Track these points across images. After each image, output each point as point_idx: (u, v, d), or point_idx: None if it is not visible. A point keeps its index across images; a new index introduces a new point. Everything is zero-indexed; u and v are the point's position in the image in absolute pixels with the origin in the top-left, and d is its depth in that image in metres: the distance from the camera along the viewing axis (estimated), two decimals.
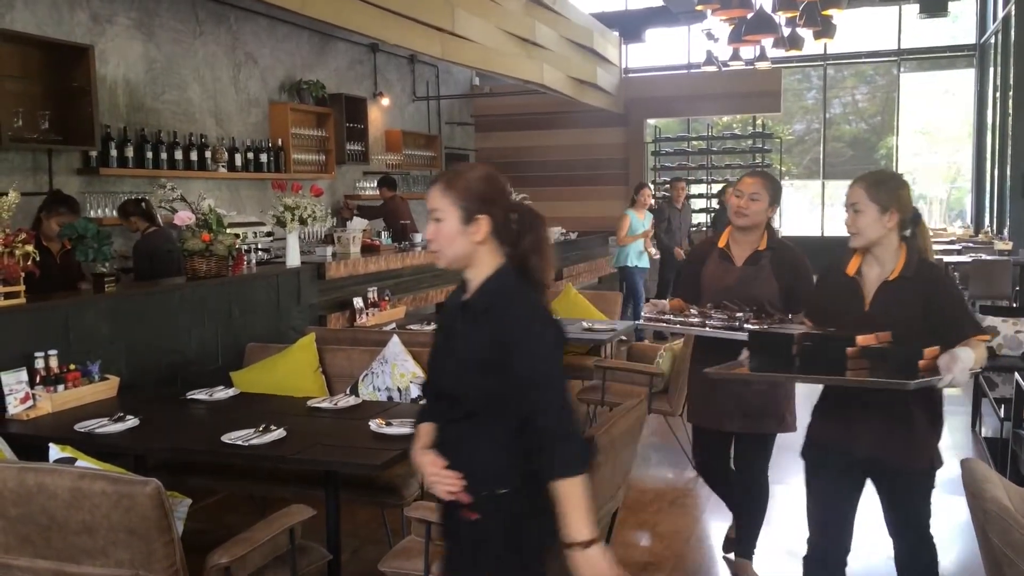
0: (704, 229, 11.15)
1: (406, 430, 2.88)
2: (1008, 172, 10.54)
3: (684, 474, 5.00)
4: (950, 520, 4.16)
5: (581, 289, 6.99)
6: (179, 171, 6.82)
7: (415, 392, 3.89)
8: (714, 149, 12.31)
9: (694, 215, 10.78)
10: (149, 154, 6.62)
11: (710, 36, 10.35)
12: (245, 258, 4.95)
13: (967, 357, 2.35)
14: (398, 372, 3.98)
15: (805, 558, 2.85)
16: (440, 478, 1.94)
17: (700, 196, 12.16)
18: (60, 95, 5.82)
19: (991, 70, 11.88)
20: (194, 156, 7.02)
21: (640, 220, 8.60)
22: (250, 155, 7.71)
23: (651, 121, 12.64)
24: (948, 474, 4.71)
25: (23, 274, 3.52)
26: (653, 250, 8.82)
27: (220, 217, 4.58)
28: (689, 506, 4.54)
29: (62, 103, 5.82)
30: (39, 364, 3.41)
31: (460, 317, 1.99)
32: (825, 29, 8.31)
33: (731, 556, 3.76)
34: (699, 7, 7.65)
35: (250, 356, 4.33)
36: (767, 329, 2.94)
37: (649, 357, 5.27)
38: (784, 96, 12.10)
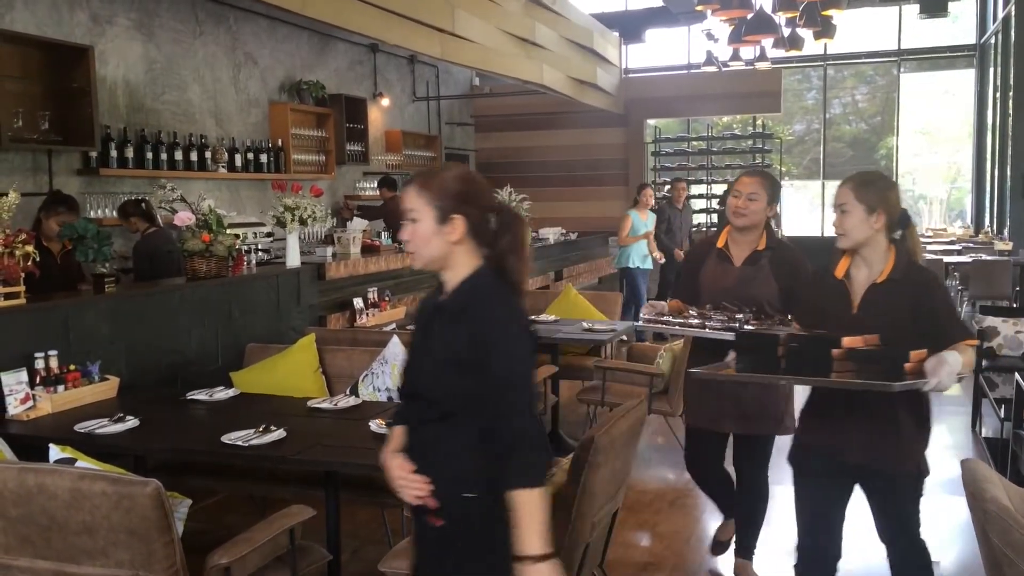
0: (705, 230, 11.15)
1: None
2: (1008, 172, 10.54)
3: (684, 474, 4.97)
4: (950, 520, 4.16)
5: (581, 289, 6.99)
6: (179, 171, 6.83)
7: None
8: (714, 149, 12.31)
9: (694, 215, 10.78)
10: (149, 154, 6.62)
11: (710, 36, 10.36)
12: (245, 258, 4.95)
13: (954, 361, 2.33)
14: (398, 372, 3.98)
15: (796, 566, 2.83)
16: (407, 482, 1.93)
17: (700, 196, 12.16)
18: (60, 95, 5.82)
19: (991, 70, 11.88)
20: (194, 156, 7.02)
21: (643, 220, 8.58)
22: (250, 155, 7.71)
23: (651, 121, 12.64)
24: (948, 474, 4.72)
25: (23, 274, 3.52)
26: (658, 254, 8.78)
27: (220, 217, 4.58)
28: (689, 506, 4.54)
29: (62, 103, 5.82)
30: (39, 364, 3.41)
31: (437, 318, 1.97)
32: (825, 29, 8.31)
33: (718, 557, 3.76)
34: (699, 7, 7.65)
35: (250, 356, 4.32)
36: (753, 330, 2.93)
37: (649, 358, 5.27)
38: (784, 96, 12.10)
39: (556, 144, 12.48)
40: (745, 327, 3.05)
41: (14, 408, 3.26)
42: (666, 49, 13.22)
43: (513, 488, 1.82)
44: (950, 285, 9.78)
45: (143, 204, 5.66)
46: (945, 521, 4.17)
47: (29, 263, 3.53)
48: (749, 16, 7.44)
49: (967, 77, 12.83)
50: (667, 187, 10.18)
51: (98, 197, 6.26)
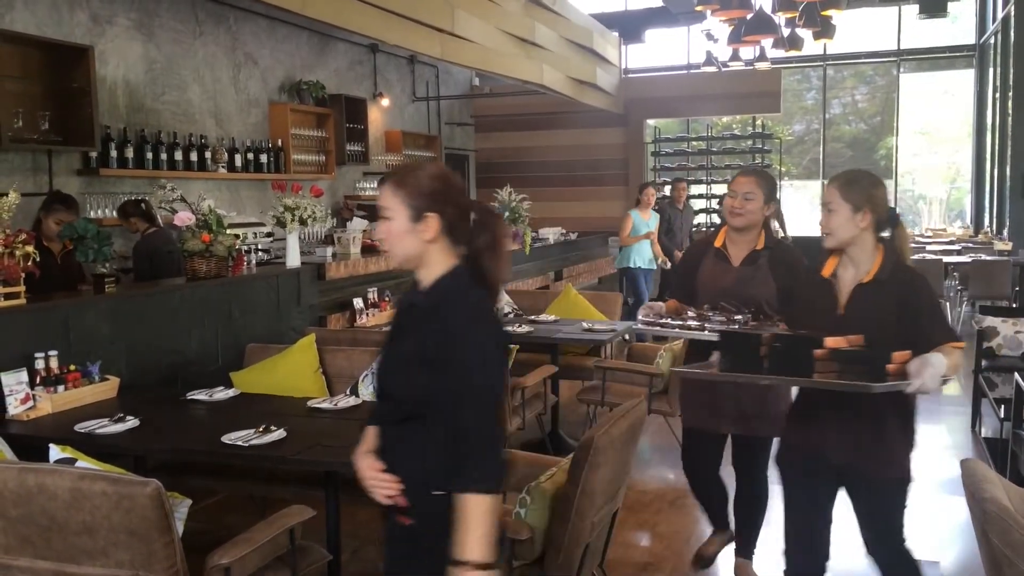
0: (705, 230, 11.15)
1: None
2: (1008, 172, 10.55)
3: (684, 474, 4.99)
4: (950, 520, 4.16)
5: (581, 289, 6.99)
6: (179, 172, 6.83)
7: None
8: (714, 149, 12.32)
9: (695, 216, 10.77)
10: (149, 155, 6.62)
11: (710, 37, 10.37)
12: (245, 259, 4.95)
13: (939, 363, 2.29)
14: None
15: (785, 571, 2.79)
16: (377, 482, 1.92)
17: (700, 197, 12.16)
18: (60, 95, 5.83)
19: (991, 70, 11.89)
20: (194, 157, 7.03)
21: (644, 220, 8.55)
22: (250, 156, 7.71)
23: (651, 121, 12.65)
24: (948, 474, 4.72)
25: (23, 274, 3.52)
26: (663, 259, 8.70)
27: (220, 218, 4.58)
28: (689, 506, 4.53)
29: (62, 103, 5.82)
30: (39, 365, 3.41)
31: (409, 316, 1.97)
32: (825, 29, 8.32)
33: (718, 558, 3.75)
34: (699, 8, 7.66)
35: (250, 356, 4.32)
36: (737, 330, 2.93)
37: (649, 357, 5.28)
38: (784, 96, 12.10)
39: (556, 144, 12.48)
40: (744, 328, 3.05)
41: (14, 408, 3.26)
42: (666, 49, 13.25)
43: (465, 491, 1.79)
44: (950, 285, 9.79)
45: (143, 204, 5.66)
46: (945, 521, 4.17)
47: (29, 263, 3.53)
48: (749, 16, 7.45)
49: (967, 77, 12.84)
50: (668, 187, 10.18)
51: (98, 197, 6.26)
